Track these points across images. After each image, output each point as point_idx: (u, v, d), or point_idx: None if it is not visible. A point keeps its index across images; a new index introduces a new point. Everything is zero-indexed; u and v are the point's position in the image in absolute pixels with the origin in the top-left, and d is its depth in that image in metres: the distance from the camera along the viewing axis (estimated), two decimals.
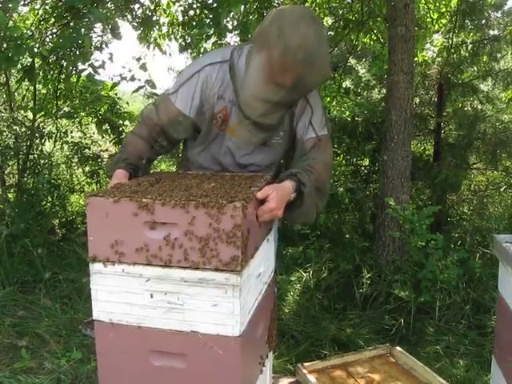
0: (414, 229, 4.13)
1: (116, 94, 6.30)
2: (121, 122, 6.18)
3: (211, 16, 4.59)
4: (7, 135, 5.58)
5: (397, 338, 3.80)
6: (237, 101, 2.35)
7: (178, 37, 6.61)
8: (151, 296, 1.85)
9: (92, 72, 4.28)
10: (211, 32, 4.86)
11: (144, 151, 2.48)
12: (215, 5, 4.52)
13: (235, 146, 2.50)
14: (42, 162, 5.82)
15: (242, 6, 5.16)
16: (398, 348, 3.33)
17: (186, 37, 6.32)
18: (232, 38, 5.68)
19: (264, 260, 2.16)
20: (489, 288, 4.29)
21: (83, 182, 6.28)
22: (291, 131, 2.49)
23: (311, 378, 2.98)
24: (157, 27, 6.36)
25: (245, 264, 1.79)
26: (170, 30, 6.66)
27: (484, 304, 4.19)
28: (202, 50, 5.79)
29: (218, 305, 1.80)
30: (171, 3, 6.37)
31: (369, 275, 4.44)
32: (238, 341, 1.82)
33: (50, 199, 5.82)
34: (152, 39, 6.59)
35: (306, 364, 3.14)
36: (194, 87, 2.39)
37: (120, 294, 1.87)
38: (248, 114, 2.32)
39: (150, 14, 5.25)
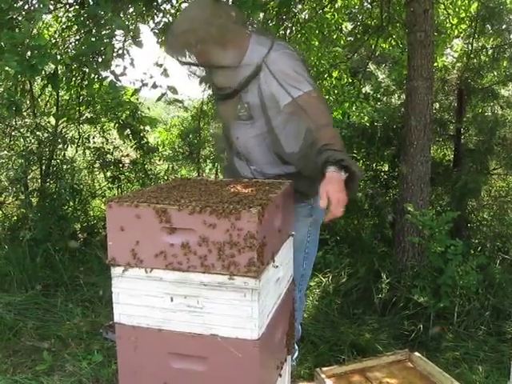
0: (433, 234, 4.12)
1: (137, 99, 6.35)
2: (142, 127, 6.22)
3: None
4: (31, 141, 5.65)
5: (415, 344, 3.78)
6: None
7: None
8: (171, 299, 1.88)
9: (114, 80, 4.33)
10: None
11: None
12: None
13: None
14: (65, 167, 5.88)
15: (262, 13, 5.19)
16: (417, 353, 3.31)
17: None
18: None
19: (283, 265, 2.18)
20: (509, 294, 4.27)
21: (105, 188, 6.35)
22: (263, 105, 2.59)
23: (329, 382, 2.99)
24: None
25: (262, 269, 1.81)
26: None
27: (504, 310, 4.16)
28: None
29: (236, 308, 1.82)
30: None
31: (388, 280, 4.43)
32: (257, 344, 1.84)
33: (71, 204, 5.89)
34: None
35: (324, 369, 3.14)
36: None
37: (140, 298, 1.90)
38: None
39: (171, 19, 5.29)
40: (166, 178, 6.36)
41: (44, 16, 5.03)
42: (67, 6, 5.35)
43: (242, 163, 2.80)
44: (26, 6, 3.85)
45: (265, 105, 2.57)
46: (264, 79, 2.54)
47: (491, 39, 6.06)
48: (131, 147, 6.36)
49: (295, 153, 2.63)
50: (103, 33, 3.93)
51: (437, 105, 5.86)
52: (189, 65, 2.63)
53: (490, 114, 5.87)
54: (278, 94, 2.52)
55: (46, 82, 5.17)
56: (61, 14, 5.62)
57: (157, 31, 5.03)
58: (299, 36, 6.23)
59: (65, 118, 6.00)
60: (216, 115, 2.99)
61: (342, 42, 6.86)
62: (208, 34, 2.46)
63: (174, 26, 2.65)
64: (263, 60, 2.52)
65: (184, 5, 5.16)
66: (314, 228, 2.87)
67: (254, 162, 2.75)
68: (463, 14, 6.36)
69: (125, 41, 4.59)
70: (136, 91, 5.36)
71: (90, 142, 6.24)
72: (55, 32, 5.72)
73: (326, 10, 6.44)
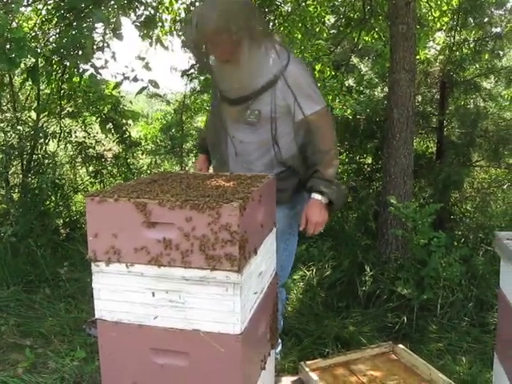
0: (416, 226, 4.13)
1: (119, 93, 6.30)
2: (124, 121, 6.17)
3: None
4: (11, 135, 5.57)
5: (399, 336, 3.79)
6: None
7: (180, 33, 6.61)
8: (153, 294, 1.86)
9: (94, 73, 4.29)
10: None
11: None
12: None
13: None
14: (46, 161, 5.81)
15: None
16: (401, 346, 3.33)
17: None
18: None
19: (265, 259, 2.17)
20: (491, 285, 4.29)
21: (87, 182, 6.30)
22: (273, 114, 2.64)
23: (314, 375, 2.99)
24: (159, 24, 6.34)
25: (244, 263, 1.80)
26: (173, 27, 6.65)
27: (487, 301, 4.19)
28: None
29: (218, 303, 1.81)
30: (174, 1, 6.37)
31: (372, 273, 4.44)
32: (239, 339, 1.83)
33: (53, 199, 5.84)
34: (154, 36, 6.58)
35: (308, 362, 3.15)
36: None
37: (122, 293, 1.89)
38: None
39: (152, 12, 5.24)
40: (148, 172, 6.32)
41: (23, 9, 4.98)
42: None
43: (237, 165, 2.81)
44: None
45: (275, 114, 2.63)
46: (281, 91, 2.59)
47: (473, 32, 6.08)
48: (113, 141, 6.31)
49: (294, 156, 2.75)
50: (83, 26, 3.89)
51: (419, 97, 5.87)
52: (202, 59, 2.64)
53: (472, 106, 5.90)
54: (293, 108, 2.62)
55: (26, 75, 5.10)
56: (40, 6, 5.54)
57: (138, 24, 4.99)
58: (282, 29, 6.21)
59: (46, 113, 5.93)
60: (214, 112, 2.96)
61: (325, 35, 6.86)
62: (241, 34, 2.44)
63: (205, 13, 2.44)
64: (281, 72, 2.58)
65: None
66: (296, 221, 2.87)
67: (249, 164, 2.79)
68: (445, 7, 6.39)
69: (105, 33, 4.54)
70: (117, 85, 5.31)
71: (71, 136, 6.17)
72: (35, 25, 5.65)
73: (308, 2, 6.43)
